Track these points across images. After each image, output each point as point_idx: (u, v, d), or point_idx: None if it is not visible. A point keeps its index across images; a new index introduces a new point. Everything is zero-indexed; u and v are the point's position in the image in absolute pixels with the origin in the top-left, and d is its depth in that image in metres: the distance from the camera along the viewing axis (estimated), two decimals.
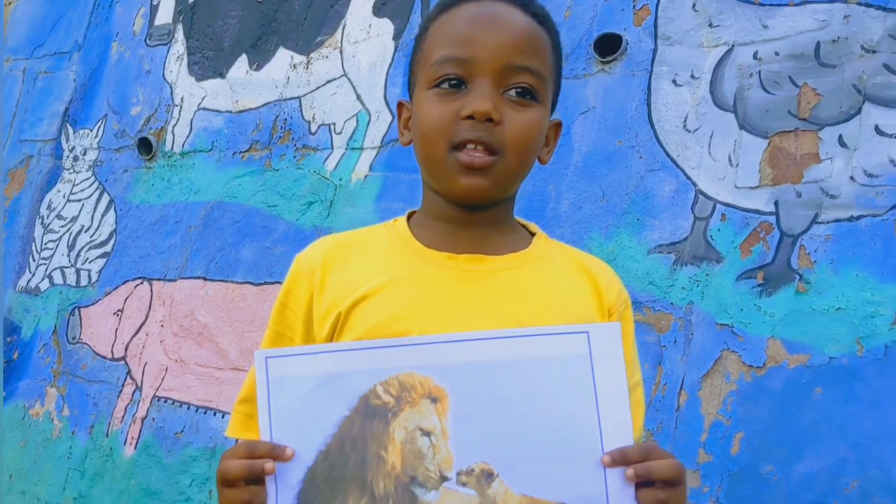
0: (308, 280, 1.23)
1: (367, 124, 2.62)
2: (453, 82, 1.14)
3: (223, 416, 2.64)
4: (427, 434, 0.97)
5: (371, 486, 0.97)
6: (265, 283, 2.70)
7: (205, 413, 2.70)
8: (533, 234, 1.27)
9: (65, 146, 3.57)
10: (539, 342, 0.98)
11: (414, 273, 1.18)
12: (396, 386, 0.98)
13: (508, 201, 1.24)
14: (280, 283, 2.70)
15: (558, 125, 1.27)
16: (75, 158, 3.50)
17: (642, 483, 0.96)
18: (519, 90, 1.14)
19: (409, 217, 1.27)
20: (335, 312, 1.18)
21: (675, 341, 1.88)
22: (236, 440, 1.16)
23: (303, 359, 1.02)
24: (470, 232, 1.21)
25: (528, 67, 1.14)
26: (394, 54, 2.61)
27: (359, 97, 2.66)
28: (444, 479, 0.96)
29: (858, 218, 1.74)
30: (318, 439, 0.99)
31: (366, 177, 2.57)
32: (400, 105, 1.29)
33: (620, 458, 0.95)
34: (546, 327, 1.03)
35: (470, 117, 1.12)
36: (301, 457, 0.99)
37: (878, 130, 1.75)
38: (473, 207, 1.20)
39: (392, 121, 2.56)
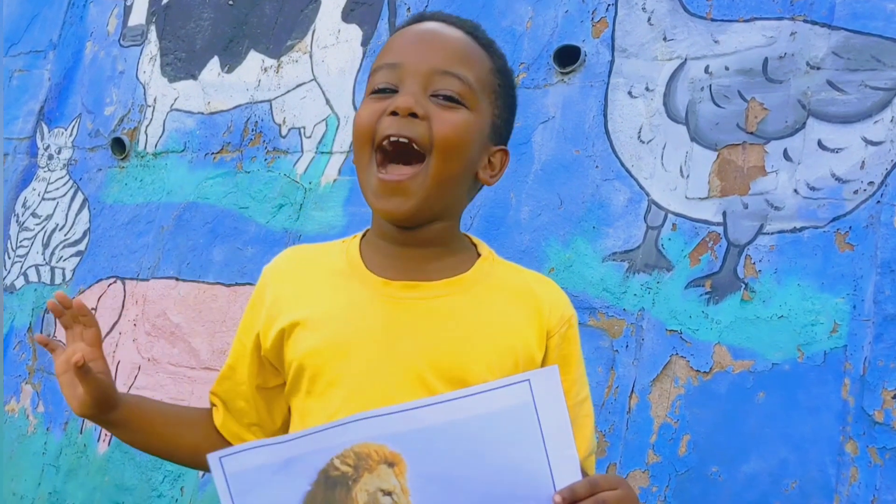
0: (265, 292, 1.29)
1: (336, 129, 2.67)
2: (382, 87, 1.19)
3: None
4: (388, 493, 1.01)
5: None
6: (236, 283, 2.75)
7: None
8: (480, 256, 1.29)
9: (40, 144, 3.60)
10: (484, 398, 1.01)
11: (350, 299, 1.22)
12: (352, 457, 1.01)
13: (448, 220, 1.26)
14: (251, 283, 2.77)
15: (505, 152, 1.29)
16: (50, 157, 3.53)
17: None
18: (446, 95, 1.17)
19: (364, 234, 1.31)
20: (277, 328, 1.24)
21: (627, 346, 1.95)
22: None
23: (255, 452, 1.03)
24: (410, 253, 1.23)
25: (455, 73, 1.18)
26: (362, 60, 2.66)
27: (328, 102, 2.71)
28: None
29: (801, 229, 1.80)
30: None
31: (335, 180, 2.62)
32: None
33: (570, 497, 0.99)
34: (489, 383, 1.04)
35: (394, 114, 1.15)
36: None
37: (820, 145, 1.82)
38: (407, 227, 1.22)
39: None
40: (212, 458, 1.03)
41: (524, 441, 1.00)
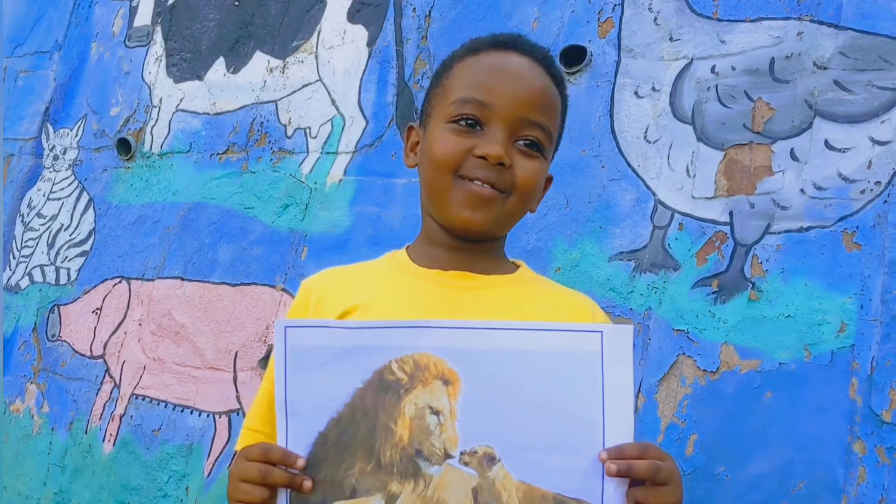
0: (306, 301, 1.32)
1: (342, 129, 2.67)
2: (470, 122, 1.23)
3: (200, 415, 2.69)
4: (436, 413, 1.01)
5: (378, 453, 1.02)
6: (241, 283, 2.75)
7: (182, 411, 2.75)
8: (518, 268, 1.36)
9: (45, 145, 3.61)
10: (553, 336, 1.02)
11: (402, 287, 1.27)
12: (411, 364, 1.02)
13: (501, 239, 1.34)
14: (256, 283, 2.77)
15: (550, 179, 1.37)
16: (55, 157, 3.53)
17: (637, 482, 1.01)
18: (528, 142, 1.24)
19: (408, 248, 1.36)
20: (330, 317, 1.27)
21: (634, 346, 1.94)
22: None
23: (321, 331, 1.06)
24: (459, 255, 1.28)
25: (540, 124, 1.24)
26: (367, 60, 2.66)
27: (333, 102, 2.71)
28: (448, 456, 1.01)
29: (808, 229, 1.80)
30: (330, 406, 1.04)
31: (340, 181, 2.62)
32: (410, 128, 1.36)
33: (617, 455, 0.99)
34: (561, 323, 1.07)
35: (483, 158, 1.20)
36: (313, 421, 1.04)
37: (827, 145, 1.81)
38: (468, 240, 1.27)
39: (366, 126, 2.61)
40: (278, 326, 1.05)
41: (583, 390, 1.00)
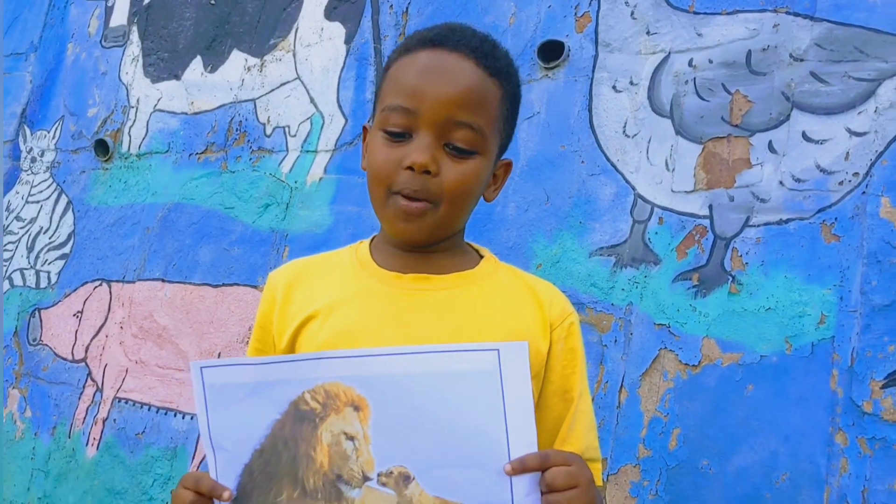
0: (273, 298, 1.34)
1: (321, 127, 2.65)
2: (398, 132, 1.22)
3: (184, 417, 2.68)
4: (351, 438, 1.05)
5: (302, 480, 1.07)
6: (223, 284, 2.73)
7: (165, 414, 2.74)
8: (482, 258, 1.35)
9: (22, 147, 3.57)
10: (452, 358, 1.05)
11: (361, 291, 1.27)
12: (322, 394, 1.06)
13: (455, 233, 1.32)
14: (238, 284, 2.75)
15: (508, 165, 1.35)
16: (33, 160, 3.50)
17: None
18: (458, 147, 1.21)
19: (373, 239, 1.36)
20: (291, 328, 1.28)
21: (616, 341, 1.95)
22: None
23: (235, 369, 1.10)
24: (418, 254, 1.29)
25: (469, 124, 1.20)
26: (345, 58, 2.64)
27: (312, 100, 2.70)
28: (366, 478, 1.05)
29: (787, 221, 1.81)
30: (252, 439, 1.08)
31: (321, 179, 2.60)
32: (364, 129, 1.36)
33: (520, 467, 1.03)
34: (459, 344, 1.09)
35: (410, 168, 1.19)
36: (238, 454, 1.09)
37: (805, 137, 1.81)
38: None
39: (345, 124, 2.60)
40: (193, 367, 1.09)
41: (485, 406, 1.04)
